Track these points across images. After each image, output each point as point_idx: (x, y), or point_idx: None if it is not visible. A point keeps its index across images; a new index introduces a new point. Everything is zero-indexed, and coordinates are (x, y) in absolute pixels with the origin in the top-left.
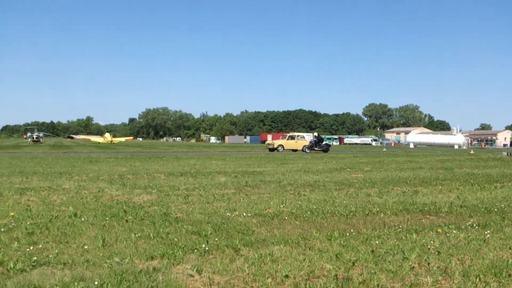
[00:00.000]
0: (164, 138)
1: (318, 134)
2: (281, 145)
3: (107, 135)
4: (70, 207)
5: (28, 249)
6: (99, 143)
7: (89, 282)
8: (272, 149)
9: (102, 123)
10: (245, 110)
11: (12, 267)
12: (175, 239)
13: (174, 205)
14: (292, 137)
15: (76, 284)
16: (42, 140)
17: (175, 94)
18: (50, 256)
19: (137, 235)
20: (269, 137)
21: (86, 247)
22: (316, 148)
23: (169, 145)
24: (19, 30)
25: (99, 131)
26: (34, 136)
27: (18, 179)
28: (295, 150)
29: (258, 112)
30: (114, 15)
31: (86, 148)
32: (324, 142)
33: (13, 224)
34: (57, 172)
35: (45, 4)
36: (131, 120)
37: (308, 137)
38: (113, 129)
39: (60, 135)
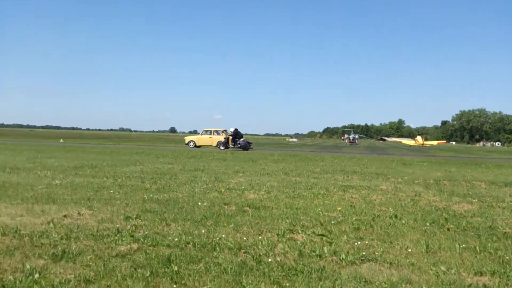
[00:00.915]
0: (481, 143)
1: (236, 129)
2: (192, 141)
3: (419, 138)
4: (390, 208)
5: (355, 244)
6: (410, 145)
7: (416, 286)
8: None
9: (413, 125)
10: None
11: (343, 258)
12: (507, 257)
13: (500, 218)
14: (209, 132)
15: (403, 285)
16: (357, 141)
17: (493, 94)
18: (376, 253)
19: (461, 246)
20: None
21: (409, 250)
22: (230, 145)
23: (487, 151)
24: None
25: (410, 134)
26: (351, 138)
27: (340, 177)
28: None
29: None
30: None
31: (398, 150)
32: (242, 139)
33: (340, 218)
34: (373, 172)
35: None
36: (444, 123)
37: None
38: (424, 132)
39: (373, 137)
